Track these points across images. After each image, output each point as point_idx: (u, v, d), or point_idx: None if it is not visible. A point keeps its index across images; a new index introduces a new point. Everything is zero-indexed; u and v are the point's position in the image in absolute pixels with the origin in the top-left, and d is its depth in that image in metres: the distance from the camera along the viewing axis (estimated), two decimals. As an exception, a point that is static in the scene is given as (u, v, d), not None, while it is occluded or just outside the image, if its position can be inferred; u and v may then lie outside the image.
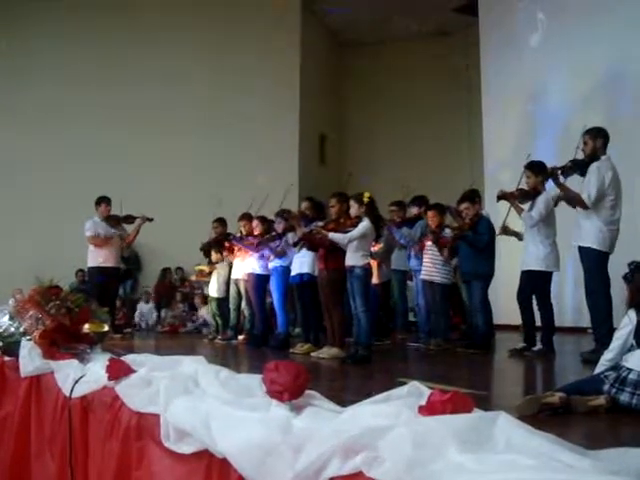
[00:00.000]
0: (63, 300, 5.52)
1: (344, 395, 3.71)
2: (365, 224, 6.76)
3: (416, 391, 2.42)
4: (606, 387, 3.65)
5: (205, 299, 11.94)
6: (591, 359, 5.40)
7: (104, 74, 15.21)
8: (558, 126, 11.45)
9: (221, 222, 10.21)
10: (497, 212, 8.12)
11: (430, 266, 8.18)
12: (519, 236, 7.68)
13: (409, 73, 17.00)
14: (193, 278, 12.12)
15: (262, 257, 8.80)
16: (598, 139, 6.55)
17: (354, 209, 6.89)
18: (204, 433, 2.75)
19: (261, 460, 2.40)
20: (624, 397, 3.57)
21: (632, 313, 3.98)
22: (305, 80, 15.97)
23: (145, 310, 13.25)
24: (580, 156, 6.73)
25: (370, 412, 2.25)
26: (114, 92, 15.17)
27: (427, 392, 2.32)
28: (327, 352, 6.97)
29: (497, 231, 7.75)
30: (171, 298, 13.48)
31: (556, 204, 7.06)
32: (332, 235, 6.78)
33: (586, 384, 3.84)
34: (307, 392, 2.67)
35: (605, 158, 6.50)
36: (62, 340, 5.35)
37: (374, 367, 6.35)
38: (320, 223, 7.27)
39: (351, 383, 5.43)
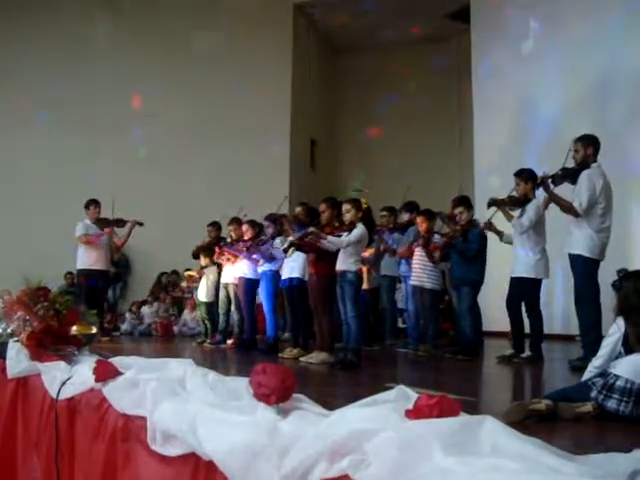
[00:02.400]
0: (51, 302, 5.51)
1: (332, 400, 3.70)
2: (361, 230, 6.75)
3: (403, 395, 2.42)
4: (593, 394, 3.65)
5: (194, 304, 11.96)
6: (579, 366, 5.42)
7: (101, 76, 15.17)
8: (549, 133, 11.48)
9: (216, 226, 10.21)
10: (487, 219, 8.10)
11: (420, 271, 8.17)
12: (501, 235, 7.73)
13: (401, 79, 17.02)
14: (184, 284, 12.06)
15: (252, 261, 8.78)
16: (589, 147, 6.57)
17: (351, 214, 6.84)
18: (191, 436, 2.74)
19: (247, 463, 2.40)
20: (611, 404, 3.57)
21: (620, 321, 3.98)
22: (297, 85, 15.98)
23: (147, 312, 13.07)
24: (571, 163, 6.74)
25: (357, 415, 2.25)
26: (107, 95, 15.14)
27: (414, 396, 2.32)
28: (316, 357, 6.95)
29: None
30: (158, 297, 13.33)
31: (546, 207, 7.07)
32: (330, 238, 6.75)
33: (573, 391, 3.84)
34: (294, 395, 2.67)
35: (596, 165, 6.52)
36: (50, 342, 5.33)
37: (363, 372, 6.34)
38: (311, 229, 7.24)
39: (340, 388, 5.41)
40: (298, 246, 7.27)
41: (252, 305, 9.03)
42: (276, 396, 2.57)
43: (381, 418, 2.16)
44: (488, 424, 2.07)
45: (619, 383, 3.58)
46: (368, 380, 5.97)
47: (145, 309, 12.97)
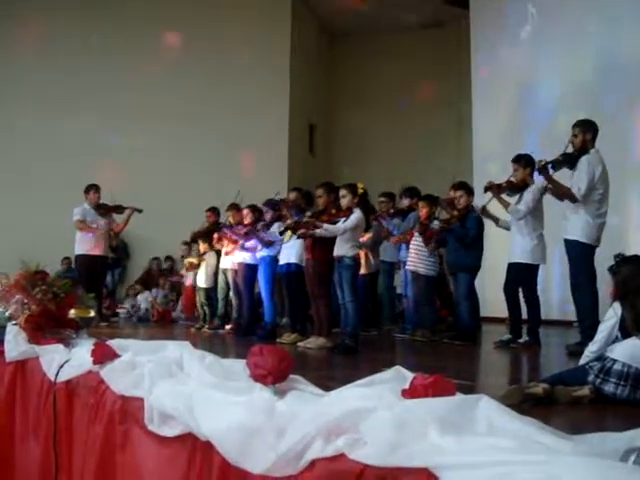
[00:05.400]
0: (49, 285, 5.51)
1: (330, 384, 3.71)
2: (358, 215, 6.74)
3: (399, 375, 2.43)
4: (590, 378, 3.65)
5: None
6: (576, 351, 5.40)
7: (95, 65, 15.10)
8: (547, 118, 11.48)
9: (214, 211, 10.17)
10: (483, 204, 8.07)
11: (415, 257, 8.18)
12: (497, 220, 7.74)
13: (400, 64, 16.97)
14: (184, 272, 12.03)
15: (247, 248, 8.77)
16: (588, 132, 6.54)
17: (347, 199, 6.83)
18: (188, 416, 2.76)
19: (244, 442, 2.41)
20: (608, 387, 3.58)
21: (617, 305, 3.98)
22: (295, 70, 15.95)
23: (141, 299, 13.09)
24: (570, 149, 6.73)
25: (353, 395, 2.26)
26: (104, 82, 15.07)
27: (410, 376, 2.33)
28: (314, 342, 6.96)
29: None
30: (157, 284, 13.32)
31: (544, 192, 7.06)
32: (326, 226, 6.75)
33: (570, 375, 3.85)
34: (291, 376, 2.68)
35: (594, 151, 6.50)
36: (48, 325, 5.34)
37: (360, 357, 6.35)
38: (306, 218, 7.24)
39: (337, 372, 5.43)
40: (294, 230, 7.26)
41: (251, 290, 9.03)
42: (273, 377, 2.58)
43: (377, 398, 2.18)
44: (483, 403, 2.08)
45: (616, 367, 3.59)
46: (365, 364, 5.97)
47: (140, 297, 12.98)
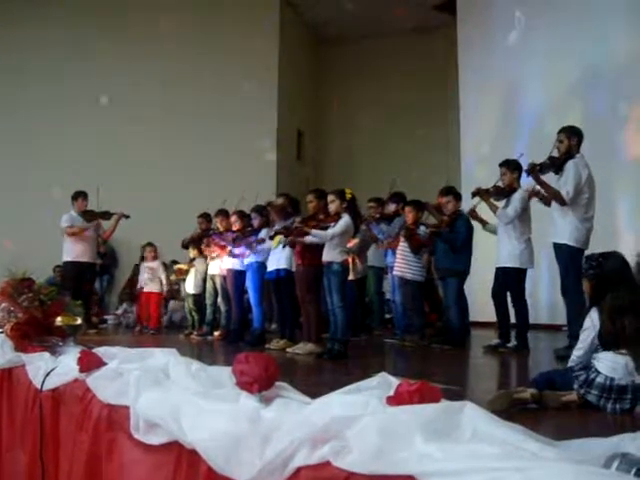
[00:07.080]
0: (36, 293, 5.49)
1: (319, 390, 3.71)
2: (346, 221, 6.74)
3: (385, 382, 2.43)
4: (575, 387, 3.65)
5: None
6: (565, 355, 5.40)
7: (83, 71, 15.07)
8: (536, 123, 11.51)
9: (206, 217, 10.13)
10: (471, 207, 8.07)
11: (402, 262, 8.17)
12: (484, 224, 7.76)
13: (388, 70, 16.98)
14: (172, 277, 11.99)
15: (236, 255, 8.74)
16: (573, 137, 6.60)
17: (335, 205, 6.85)
18: (173, 424, 2.75)
19: (229, 451, 2.40)
20: (591, 398, 3.58)
21: (594, 314, 3.90)
22: (283, 76, 15.93)
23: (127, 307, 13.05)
24: (556, 154, 6.76)
25: (338, 402, 2.25)
26: (94, 89, 15.03)
27: (396, 383, 2.33)
28: (303, 348, 6.96)
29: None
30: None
31: (530, 198, 7.09)
32: (314, 232, 6.76)
33: (560, 377, 3.85)
34: (277, 383, 2.68)
35: (580, 156, 6.56)
36: (34, 333, 5.32)
37: (350, 363, 6.35)
38: (296, 224, 7.24)
39: (326, 378, 5.42)
40: (285, 236, 7.26)
41: (241, 296, 9.01)
42: (258, 384, 2.58)
43: (362, 405, 2.17)
44: (468, 410, 2.08)
45: (599, 380, 3.58)
46: (355, 370, 5.95)
47: (124, 306, 12.95)
